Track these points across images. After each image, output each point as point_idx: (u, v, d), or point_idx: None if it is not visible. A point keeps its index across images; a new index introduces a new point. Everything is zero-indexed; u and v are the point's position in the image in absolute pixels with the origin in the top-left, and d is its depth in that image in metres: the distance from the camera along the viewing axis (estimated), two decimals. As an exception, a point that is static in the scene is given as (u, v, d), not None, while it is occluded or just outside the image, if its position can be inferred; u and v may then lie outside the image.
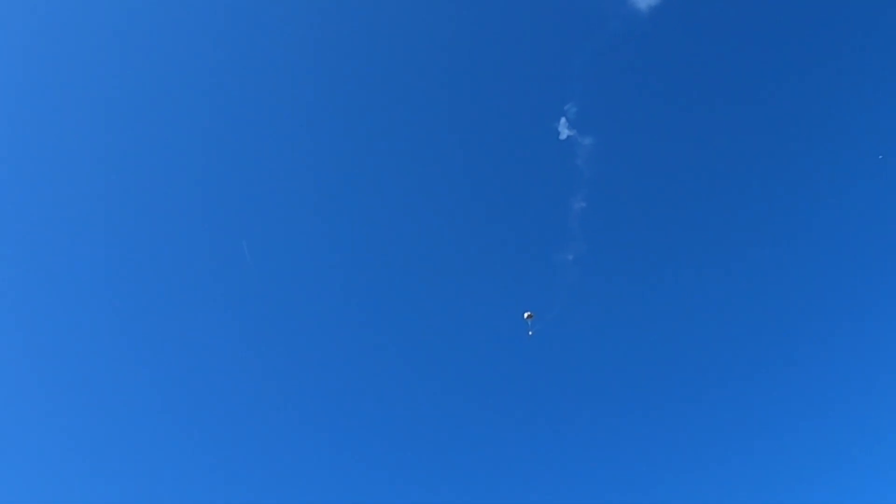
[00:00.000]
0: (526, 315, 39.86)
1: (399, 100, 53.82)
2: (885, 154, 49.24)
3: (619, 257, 55.16)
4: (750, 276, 53.52)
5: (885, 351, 49.95)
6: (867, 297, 51.86)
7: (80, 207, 52.86)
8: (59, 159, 52.67)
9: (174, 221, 54.17)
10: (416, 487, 51.23)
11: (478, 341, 54.71)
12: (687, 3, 50.77)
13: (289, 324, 55.72)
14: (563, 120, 45.64)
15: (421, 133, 54.72)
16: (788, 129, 52.67)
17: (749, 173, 53.46)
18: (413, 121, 54.45)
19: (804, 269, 53.20)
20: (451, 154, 54.95)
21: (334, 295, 55.53)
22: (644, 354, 54.20)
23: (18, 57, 51.09)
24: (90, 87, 51.65)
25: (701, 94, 52.96)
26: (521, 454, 52.80)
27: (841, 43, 50.86)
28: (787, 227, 53.56)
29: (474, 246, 55.86)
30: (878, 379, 49.53)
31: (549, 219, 53.06)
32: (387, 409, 54.05)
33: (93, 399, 52.57)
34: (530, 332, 40.69)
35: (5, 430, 50.95)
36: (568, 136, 45.76)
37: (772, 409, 51.40)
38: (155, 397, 53.08)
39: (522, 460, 52.42)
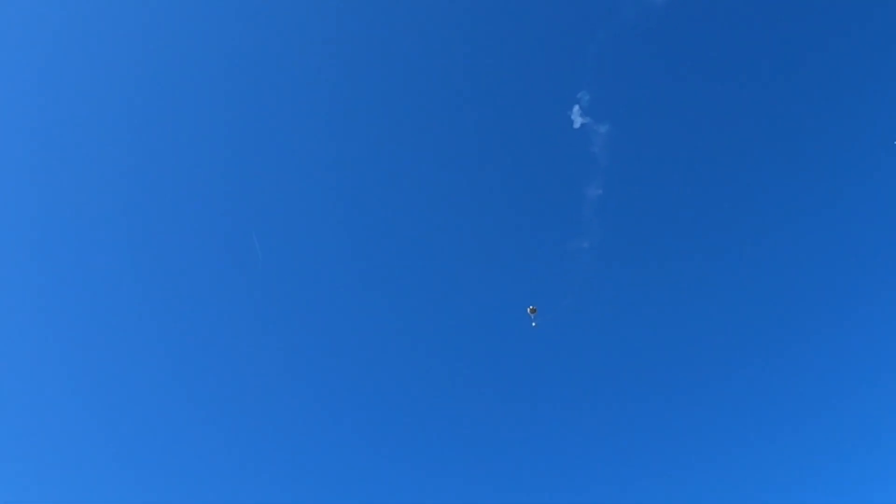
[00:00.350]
0: (529, 309, 40.39)
1: (412, 89, 53.60)
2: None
3: (635, 245, 54.72)
4: (769, 265, 52.98)
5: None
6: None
7: (92, 205, 53.70)
8: (77, 157, 53.54)
9: (184, 216, 54.84)
10: (436, 475, 52.61)
11: (492, 329, 55.00)
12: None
13: (303, 309, 56.51)
14: (576, 108, 45.24)
15: (435, 122, 54.53)
16: (808, 117, 51.50)
17: (768, 161, 52.26)
18: (426, 110, 54.41)
19: (823, 256, 52.54)
20: (464, 140, 54.62)
21: (347, 283, 56.14)
22: (659, 343, 54.18)
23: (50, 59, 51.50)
24: (107, 87, 52.46)
25: (718, 80, 51.70)
26: (536, 445, 53.52)
27: (862, 19, 48.98)
28: (805, 217, 52.60)
29: (489, 234, 55.89)
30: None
31: (565, 207, 52.70)
32: (402, 397, 55.01)
33: (97, 396, 54.34)
34: (533, 324, 41.36)
35: (31, 427, 52.89)
36: (582, 124, 45.39)
37: (797, 397, 51.38)
38: (163, 392, 54.44)
39: (537, 450, 53.19)
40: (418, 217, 55.62)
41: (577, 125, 45.29)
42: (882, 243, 50.30)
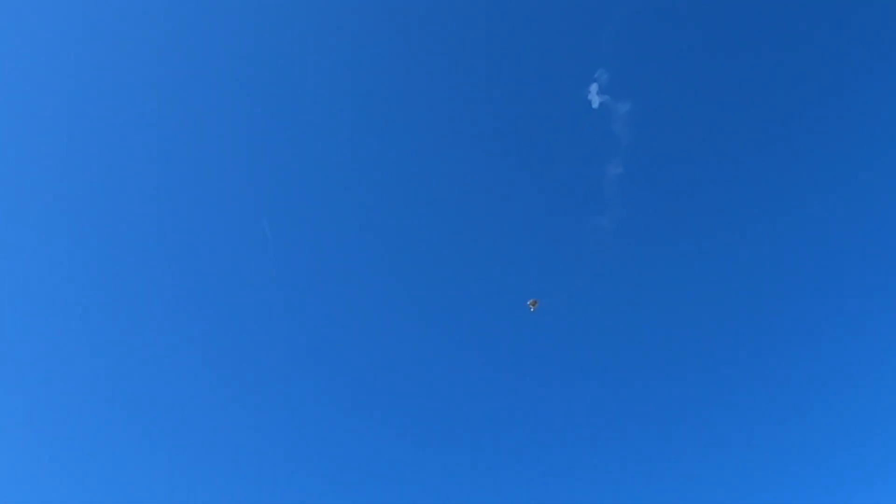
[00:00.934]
0: (530, 302, 39.96)
1: (429, 69, 52.41)
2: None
3: (657, 223, 52.98)
4: (797, 247, 51.63)
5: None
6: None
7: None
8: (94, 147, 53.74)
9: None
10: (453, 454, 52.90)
11: (510, 309, 52.71)
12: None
13: (316, 283, 55.93)
14: (594, 86, 44.00)
15: (451, 102, 53.37)
16: (836, 94, 49.23)
17: (797, 139, 50.42)
18: (443, 91, 53.03)
19: (852, 236, 50.88)
20: (481, 116, 53.50)
21: (363, 264, 55.48)
22: (680, 325, 53.26)
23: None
24: (129, 80, 52.35)
25: (743, 55, 49.42)
26: (557, 420, 53.21)
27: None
28: (834, 195, 50.59)
29: (507, 213, 54.68)
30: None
31: (586, 184, 51.14)
32: (420, 380, 54.75)
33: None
34: (532, 310, 41.00)
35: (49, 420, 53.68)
36: (601, 103, 44.22)
37: (825, 380, 50.54)
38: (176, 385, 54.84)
39: (557, 424, 53.00)
40: (436, 196, 54.64)
41: (595, 105, 44.23)
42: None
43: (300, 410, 55.11)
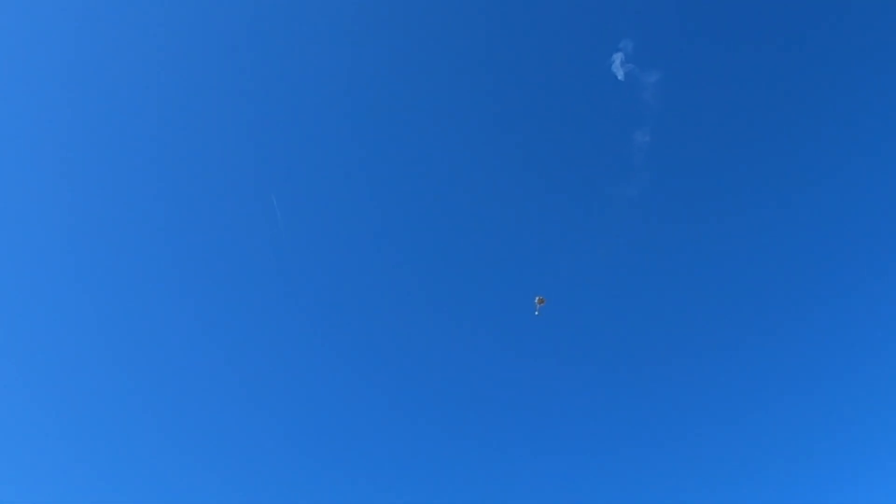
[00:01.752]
0: (537, 299, 39.85)
1: (449, 40, 51.52)
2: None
3: (684, 192, 51.75)
4: (829, 219, 50.13)
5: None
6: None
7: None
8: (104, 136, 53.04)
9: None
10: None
11: (531, 280, 51.49)
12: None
13: (332, 265, 55.20)
14: (619, 55, 43.41)
15: (472, 73, 52.40)
16: (881, 65, 47.24)
17: (831, 107, 48.77)
18: (464, 61, 52.04)
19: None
20: (505, 84, 52.45)
21: (383, 233, 54.83)
22: (707, 294, 52.25)
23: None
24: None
25: (772, 19, 47.93)
26: (589, 398, 52.51)
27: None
28: (879, 168, 48.96)
29: (532, 180, 53.73)
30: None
31: (613, 152, 49.82)
32: (440, 358, 54.08)
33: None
34: (536, 312, 40.41)
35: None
36: (625, 74, 43.51)
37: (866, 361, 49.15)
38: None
39: (589, 405, 52.29)
40: (461, 167, 53.71)
41: (620, 76, 43.51)
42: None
43: (306, 399, 54.88)
